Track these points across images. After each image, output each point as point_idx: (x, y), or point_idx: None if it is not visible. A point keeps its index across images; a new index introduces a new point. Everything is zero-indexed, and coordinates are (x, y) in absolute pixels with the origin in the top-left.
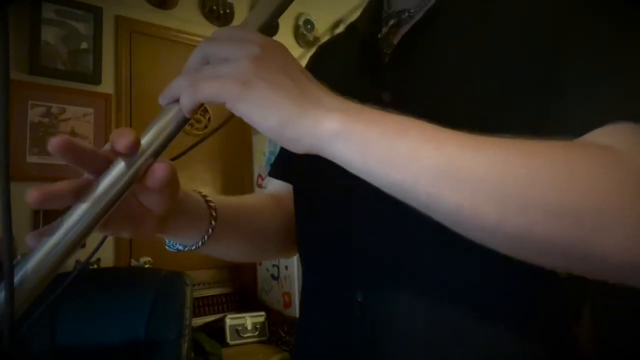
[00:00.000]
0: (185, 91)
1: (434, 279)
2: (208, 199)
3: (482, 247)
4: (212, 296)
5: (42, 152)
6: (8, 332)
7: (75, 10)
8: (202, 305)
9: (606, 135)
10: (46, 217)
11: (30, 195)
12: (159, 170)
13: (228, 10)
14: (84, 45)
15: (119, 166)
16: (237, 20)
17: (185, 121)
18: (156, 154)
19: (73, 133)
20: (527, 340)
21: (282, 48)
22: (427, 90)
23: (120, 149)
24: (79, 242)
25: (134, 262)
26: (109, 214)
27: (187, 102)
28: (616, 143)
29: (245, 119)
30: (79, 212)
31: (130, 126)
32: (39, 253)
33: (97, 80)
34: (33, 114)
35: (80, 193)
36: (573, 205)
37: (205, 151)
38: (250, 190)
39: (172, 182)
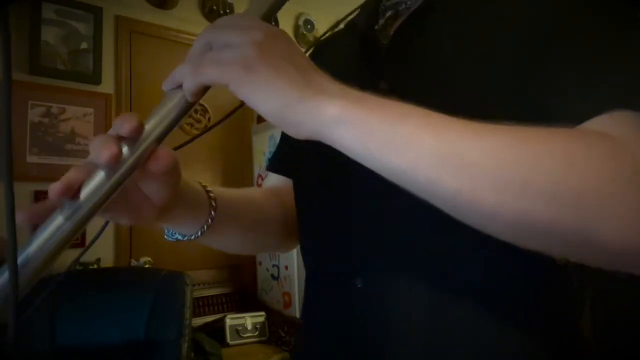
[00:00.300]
0: (188, 75)
1: (433, 265)
2: (208, 189)
3: (484, 239)
4: (212, 296)
5: (42, 152)
6: (12, 331)
7: (75, 10)
8: (202, 305)
9: (604, 123)
10: None
11: (20, 216)
12: (162, 155)
13: (228, 10)
14: (84, 45)
15: (123, 150)
16: None
17: (188, 107)
18: (159, 140)
19: (73, 133)
20: (527, 339)
21: (285, 35)
22: (422, 80)
23: (124, 133)
24: (83, 224)
25: (134, 262)
26: (112, 198)
27: (190, 86)
28: (614, 130)
29: (248, 103)
30: (83, 194)
31: None
32: (44, 234)
33: (97, 80)
34: (33, 114)
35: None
36: (571, 190)
37: (205, 151)
38: None
39: (173, 171)
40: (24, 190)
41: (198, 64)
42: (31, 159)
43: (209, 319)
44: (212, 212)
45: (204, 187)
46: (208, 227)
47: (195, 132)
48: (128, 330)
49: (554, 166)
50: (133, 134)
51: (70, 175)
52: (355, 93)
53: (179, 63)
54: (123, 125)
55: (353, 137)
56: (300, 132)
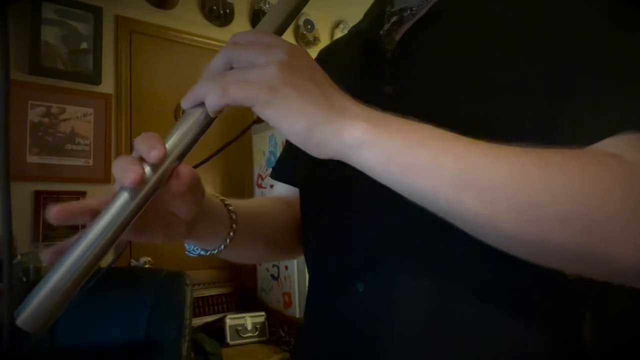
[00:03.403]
0: (213, 92)
1: (435, 270)
2: (227, 202)
3: (485, 244)
4: (212, 296)
5: (42, 152)
6: (7, 334)
7: (75, 10)
8: (202, 305)
9: (618, 144)
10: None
11: (51, 212)
12: (184, 173)
13: (228, 10)
14: (84, 45)
15: (145, 170)
16: (237, 20)
17: (208, 124)
18: (180, 158)
19: (73, 133)
20: (530, 343)
21: (306, 54)
22: (427, 85)
23: (151, 161)
24: (109, 244)
25: (134, 262)
26: (135, 220)
27: (214, 104)
28: (627, 152)
29: (272, 124)
30: (107, 218)
31: (130, 126)
32: (70, 257)
33: (97, 80)
34: (33, 114)
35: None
36: (584, 214)
37: (205, 151)
38: (250, 190)
39: (196, 187)
40: (24, 190)
41: (223, 82)
42: (31, 159)
43: (209, 319)
44: (233, 226)
45: (223, 200)
46: (231, 240)
47: None
48: (128, 330)
49: (568, 191)
50: (159, 161)
51: (85, 201)
52: (378, 115)
53: (179, 63)
54: (150, 152)
55: (376, 159)
56: (323, 152)
